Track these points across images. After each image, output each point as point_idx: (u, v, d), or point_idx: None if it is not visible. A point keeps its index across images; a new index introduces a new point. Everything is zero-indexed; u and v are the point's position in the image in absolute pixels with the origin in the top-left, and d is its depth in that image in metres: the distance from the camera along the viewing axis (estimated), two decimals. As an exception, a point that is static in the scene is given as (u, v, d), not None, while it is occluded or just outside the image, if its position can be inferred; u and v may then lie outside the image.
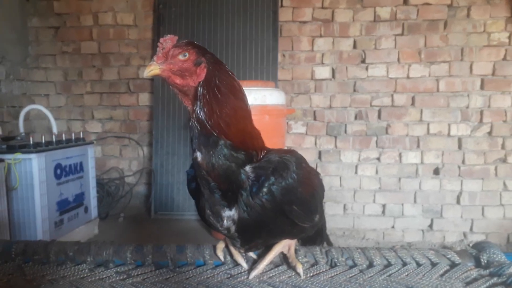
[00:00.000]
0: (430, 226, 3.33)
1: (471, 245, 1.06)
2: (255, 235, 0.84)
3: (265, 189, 0.76)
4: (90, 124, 3.71)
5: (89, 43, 3.62)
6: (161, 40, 0.77)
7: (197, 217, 3.36)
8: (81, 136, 2.95)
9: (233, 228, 0.80)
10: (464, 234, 3.29)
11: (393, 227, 3.36)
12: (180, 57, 0.76)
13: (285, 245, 0.92)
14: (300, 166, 0.83)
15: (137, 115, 3.66)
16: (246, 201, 0.77)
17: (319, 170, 3.35)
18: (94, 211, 3.03)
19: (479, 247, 1.00)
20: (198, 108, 0.75)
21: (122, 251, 1.00)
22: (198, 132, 0.75)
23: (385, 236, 3.35)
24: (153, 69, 0.75)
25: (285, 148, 2.79)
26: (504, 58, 3.24)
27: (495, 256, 0.94)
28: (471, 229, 3.29)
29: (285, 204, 0.79)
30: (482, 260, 0.94)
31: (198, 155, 0.75)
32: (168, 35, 0.77)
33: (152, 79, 3.52)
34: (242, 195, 0.77)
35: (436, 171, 3.32)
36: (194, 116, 0.76)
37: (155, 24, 3.54)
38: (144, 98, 3.63)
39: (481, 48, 3.25)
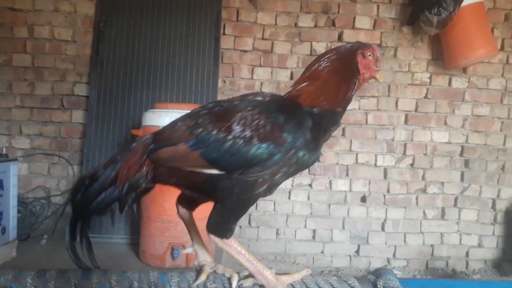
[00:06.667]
0: (357, 251, 3.47)
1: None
2: None
3: None
4: (17, 139, 3.51)
5: (22, 55, 3.47)
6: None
7: (125, 241, 3.26)
8: (4, 152, 2.79)
9: None
10: (388, 260, 3.47)
11: (322, 252, 3.47)
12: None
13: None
14: None
15: (69, 133, 3.52)
16: None
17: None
18: (13, 232, 2.84)
19: (377, 273, 1.08)
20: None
21: (22, 276, 0.96)
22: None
23: (314, 261, 3.44)
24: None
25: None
26: (426, 96, 3.54)
27: (390, 282, 1.02)
28: (394, 255, 3.47)
29: None
30: (378, 286, 1.02)
31: None
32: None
33: (88, 96, 3.44)
34: None
35: (363, 199, 3.49)
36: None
37: (94, 41, 3.47)
38: (78, 116, 3.51)
39: (406, 86, 3.53)
